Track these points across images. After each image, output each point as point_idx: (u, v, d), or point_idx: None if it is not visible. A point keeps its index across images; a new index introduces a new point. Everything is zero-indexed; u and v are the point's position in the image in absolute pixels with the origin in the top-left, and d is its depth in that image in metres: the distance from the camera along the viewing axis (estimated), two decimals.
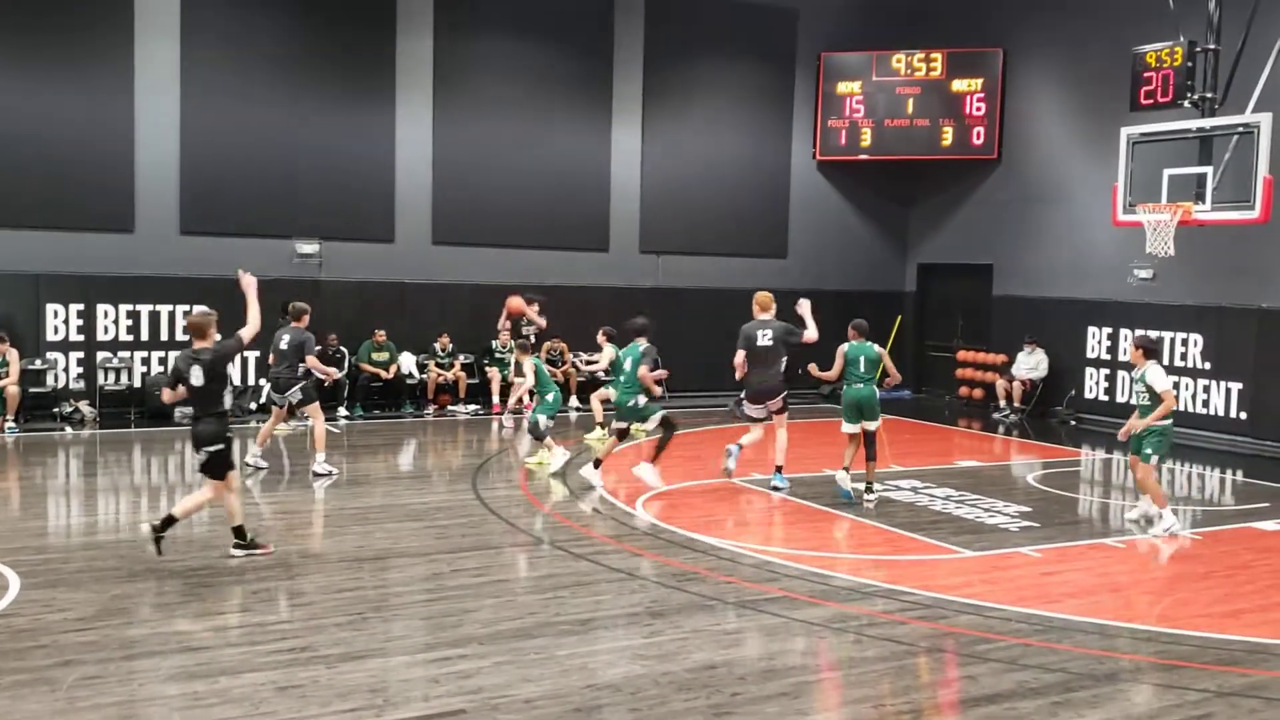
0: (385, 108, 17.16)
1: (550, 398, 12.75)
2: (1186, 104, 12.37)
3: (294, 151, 16.54)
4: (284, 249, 16.52)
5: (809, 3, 19.93)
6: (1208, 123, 11.99)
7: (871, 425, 11.02)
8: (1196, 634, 7.26)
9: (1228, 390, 15.72)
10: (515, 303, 14.99)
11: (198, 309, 9.25)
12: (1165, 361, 15.93)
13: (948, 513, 10.67)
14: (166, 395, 8.49)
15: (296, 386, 11.86)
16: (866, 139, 19.85)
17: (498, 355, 17.33)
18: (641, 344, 11.44)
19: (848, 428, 11.15)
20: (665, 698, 5.88)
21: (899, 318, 21.07)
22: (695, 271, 19.39)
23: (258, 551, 8.43)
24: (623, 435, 11.63)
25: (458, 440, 15.04)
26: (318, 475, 11.71)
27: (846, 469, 10.99)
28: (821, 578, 8.24)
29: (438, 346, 17.26)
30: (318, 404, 12.09)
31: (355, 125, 16.96)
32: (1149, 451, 10.05)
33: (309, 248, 16.69)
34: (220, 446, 8.24)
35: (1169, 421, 10.08)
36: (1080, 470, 13.85)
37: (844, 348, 11.17)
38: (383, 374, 16.69)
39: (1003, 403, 18.24)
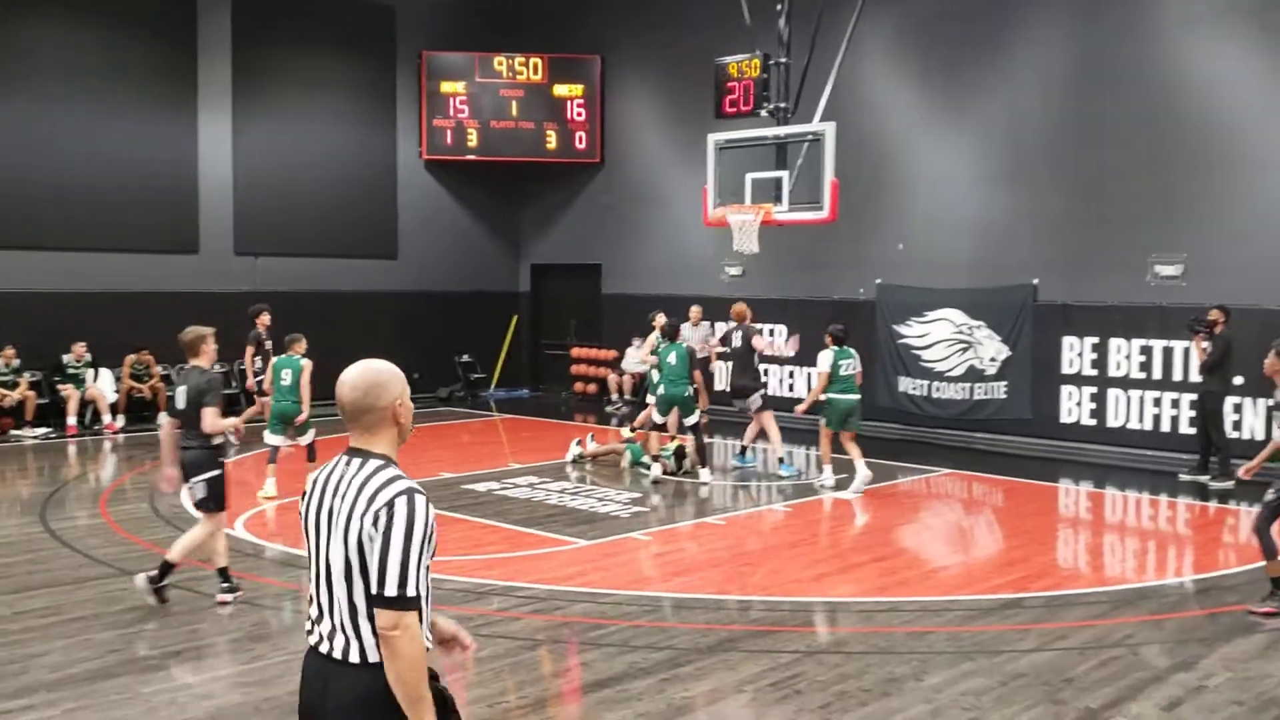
0: None
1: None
2: (764, 113, 13.28)
3: None
4: None
5: (406, 0, 19.60)
6: (782, 130, 12.95)
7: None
8: (788, 599, 7.81)
9: (809, 375, 17.19)
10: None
11: (192, 326, 7.72)
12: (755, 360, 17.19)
13: (563, 505, 10.84)
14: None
15: None
16: (474, 139, 19.86)
17: (70, 371, 15.56)
18: (682, 340, 12.68)
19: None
20: None
21: (514, 318, 21.29)
22: (298, 274, 18.45)
23: (239, 595, 7.52)
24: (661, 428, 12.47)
25: (27, 468, 13.37)
26: None
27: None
28: (436, 583, 8.01)
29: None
30: None
31: None
32: (824, 421, 11.91)
33: None
34: (213, 474, 7.29)
35: (839, 395, 11.74)
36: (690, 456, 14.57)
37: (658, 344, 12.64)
38: None
39: (615, 396, 18.95)
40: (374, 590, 2.89)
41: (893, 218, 16.04)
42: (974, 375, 15.13)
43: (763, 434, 13.09)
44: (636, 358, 18.89)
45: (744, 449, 13.45)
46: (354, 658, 2.94)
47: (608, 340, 20.03)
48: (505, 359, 20.98)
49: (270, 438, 11.29)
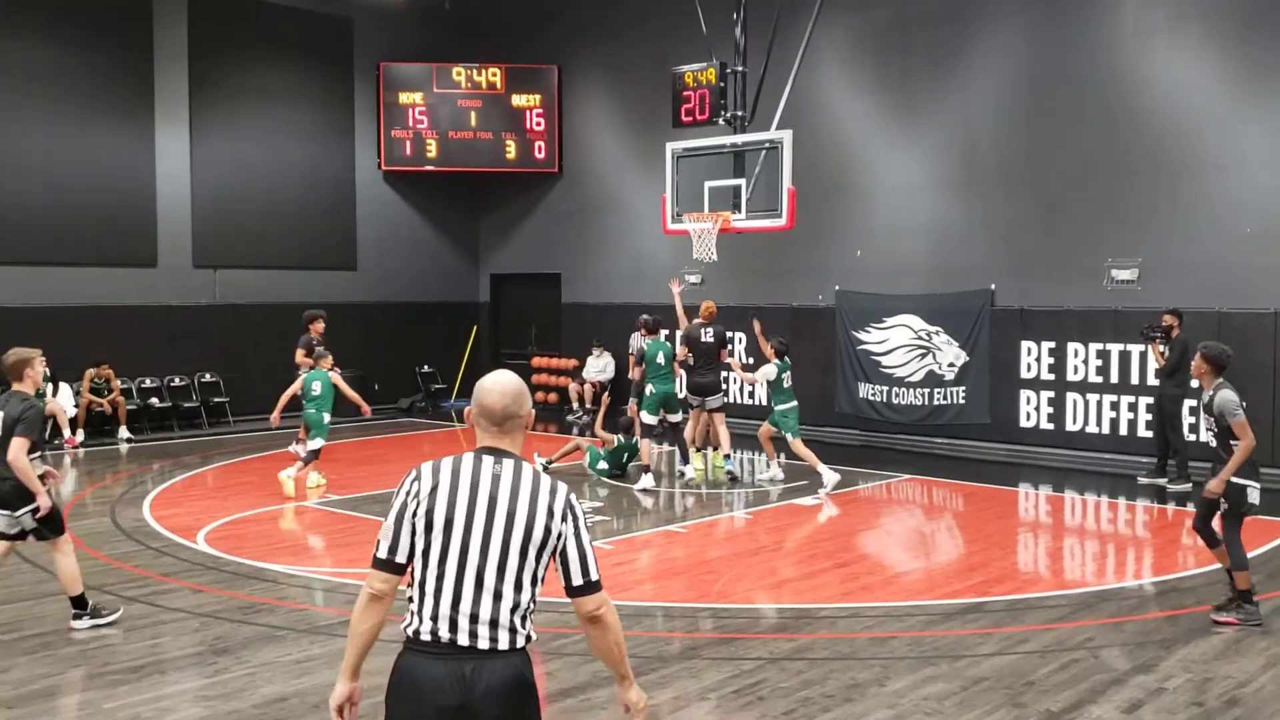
0: None
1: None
2: (721, 121, 13.36)
3: None
4: None
5: (364, 12, 19.51)
6: (739, 139, 13.04)
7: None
8: (749, 606, 7.84)
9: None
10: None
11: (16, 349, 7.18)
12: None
13: None
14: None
15: None
16: (432, 150, 19.80)
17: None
18: (664, 338, 12.81)
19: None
20: None
21: (474, 328, 21.23)
22: (258, 286, 18.32)
23: (104, 620, 7.19)
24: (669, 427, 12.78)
25: None
26: None
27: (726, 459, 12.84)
28: (397, 593, 8.00)
29: None
30: None
31: None
32: (788, 432, 12.36)
33: None
34: (35, 506, 6.88)
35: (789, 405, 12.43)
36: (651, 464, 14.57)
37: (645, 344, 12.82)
38: None
39: (575, 405, 18.93)
40: (575, 581, 3.20)
41: (851, 225, 16.17)
42: (933, 380, 15.27)
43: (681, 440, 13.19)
44: (598, 366, 18.91)
45: (726, 455, 13.04)
46: (503, 645, 3.11)
47: (568, 349, 20.01)
48: (466, 369, 20.90)
49: (314, 444, 11.84)
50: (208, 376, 17.63)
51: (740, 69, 13.25)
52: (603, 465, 12.74)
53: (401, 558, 3.18)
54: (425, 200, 20.66)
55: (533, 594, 3.18)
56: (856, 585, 8.40)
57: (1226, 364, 7.63)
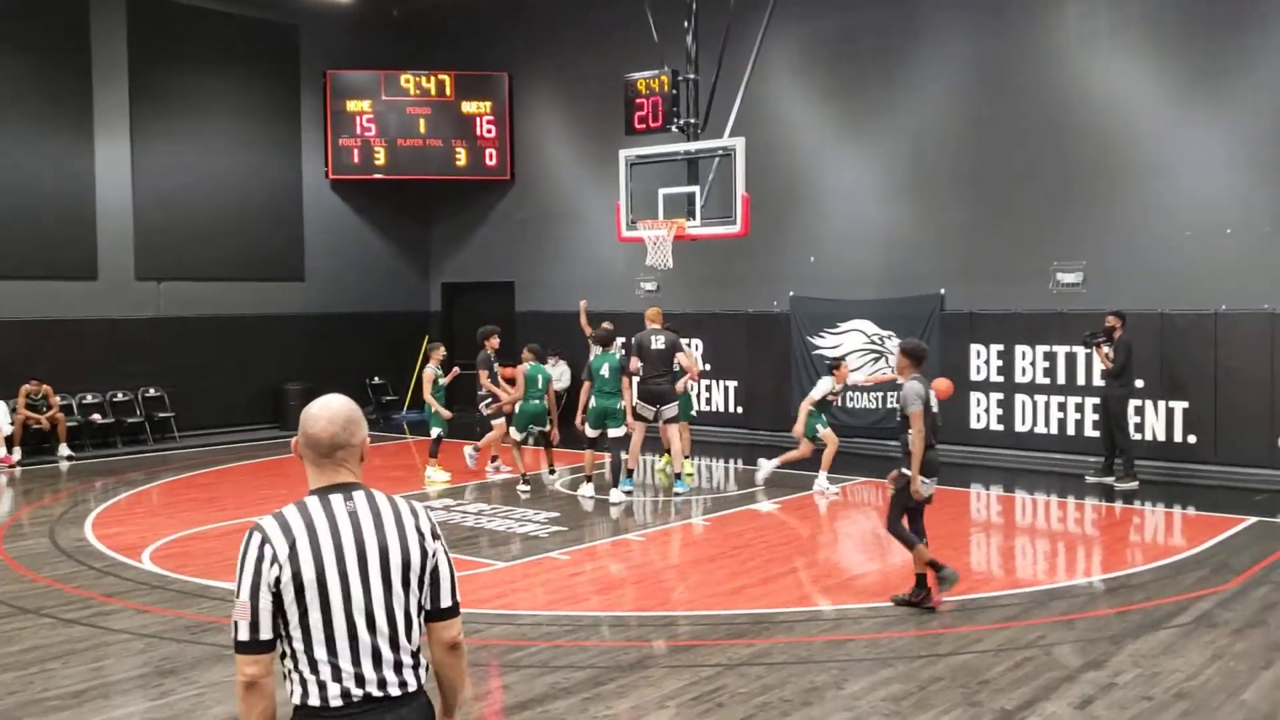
0: None
1: None
2: (674, 128, 13.34)
3: None
4: None
5: (309, 19, 19.31)
6: (692, 146, 13.03)
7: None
8: (708, 613, 7.81)
9: (726, 388, 17.31)
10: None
11: None
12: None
13: (480, 527, 10.71)
14: None
15: None
16: (381, 158, 19.63)
17: None
18: (615, 351, 12.37)
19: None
20: None
21: (426, 338, 21.02)
22: (203, 298, 18.04)
23: None
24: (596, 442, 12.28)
25: None
26: None
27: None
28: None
29: None
30: None
31: None
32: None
33: None
34: None
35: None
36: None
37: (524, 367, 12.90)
38: None
39: None
40: (445, 603, 3.03)
41: (804, 231, 16.25)
42: (886, 385, 15.36)
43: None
44: (554, 374, 18.79)
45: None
46: (412, 687, 2.95)
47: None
48: (417, 381, 20.69)
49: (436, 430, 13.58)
50: (152, 391, 17.31)
51: (692, 76, 13.25)
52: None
53: (266, 634, 2.83)
54: (374, 209, 20.46)
55: (417, 627, 3.00)
56: (813, 589, 8.40)
57: (923, 357, 8.09)
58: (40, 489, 13.32)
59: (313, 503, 2.94)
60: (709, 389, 17.45)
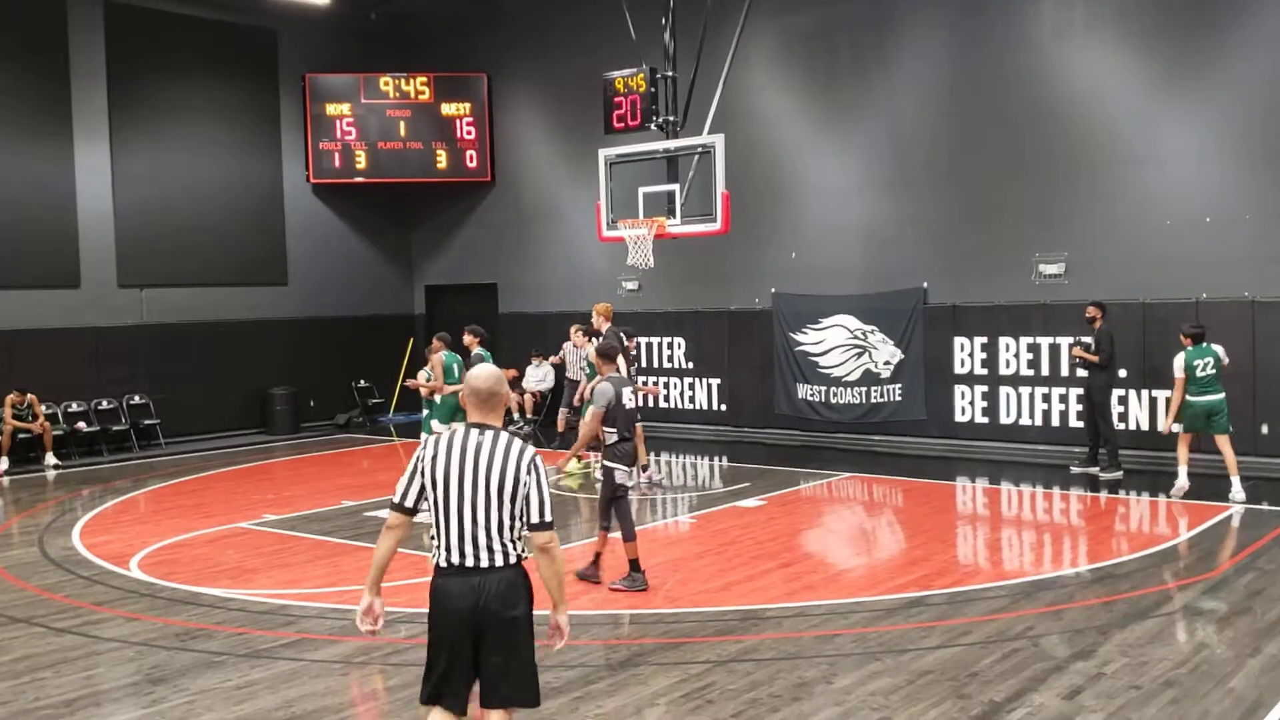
0: None
1: None
2: (653, 127, 13.35)
3: None
4: None
5: (288, 23, 19.24)
6: (672, 144, 13.02)
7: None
8: (696, 610, 7.84)
9: (709, 386, 17.35)
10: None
11: None
12: (655, 364, 17.34)
13: None
14: None
15: None
16: (362, 161, 19.59)
17: None
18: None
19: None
20: None
21: (410, 340, 21.01)
22: (186, 304, 17.98)
23: None
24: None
25: None
26: None
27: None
28: (341, 613, 7.88)
29: None
30: None
31: None
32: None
33: None
34: None
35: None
36: (592, 471, 14.55)
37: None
38: None
39: (516, 415, 18.78)
40: (534, 520, 4.24)
41: (785, 227, 16.29)
42: (870, 379, 15.43)
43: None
44: (537, 375, 18.82)
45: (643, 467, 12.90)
46: (499, 562, 4.21)
47: (506, 360, 19.84)
48: (403, 383, 20.68)
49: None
50: (137, 398, 17.26)
51: (670, 74, 13.26)
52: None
53: (410, 503, 4.28)
54: (356, 212, 20.43)
55: (514, 526, 4.22)
56: (801, 584, 8.44)
57: (615, 356, 8.52)
58: (28, 498, 13.25)
59: (461, 430, 4.30)
60: (692, 386, 17.49)
